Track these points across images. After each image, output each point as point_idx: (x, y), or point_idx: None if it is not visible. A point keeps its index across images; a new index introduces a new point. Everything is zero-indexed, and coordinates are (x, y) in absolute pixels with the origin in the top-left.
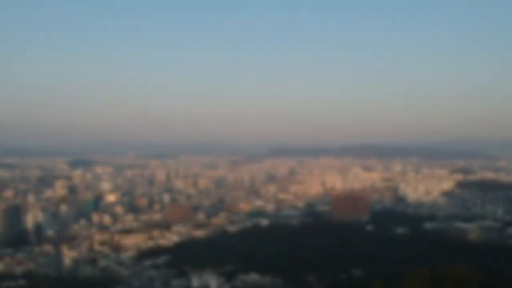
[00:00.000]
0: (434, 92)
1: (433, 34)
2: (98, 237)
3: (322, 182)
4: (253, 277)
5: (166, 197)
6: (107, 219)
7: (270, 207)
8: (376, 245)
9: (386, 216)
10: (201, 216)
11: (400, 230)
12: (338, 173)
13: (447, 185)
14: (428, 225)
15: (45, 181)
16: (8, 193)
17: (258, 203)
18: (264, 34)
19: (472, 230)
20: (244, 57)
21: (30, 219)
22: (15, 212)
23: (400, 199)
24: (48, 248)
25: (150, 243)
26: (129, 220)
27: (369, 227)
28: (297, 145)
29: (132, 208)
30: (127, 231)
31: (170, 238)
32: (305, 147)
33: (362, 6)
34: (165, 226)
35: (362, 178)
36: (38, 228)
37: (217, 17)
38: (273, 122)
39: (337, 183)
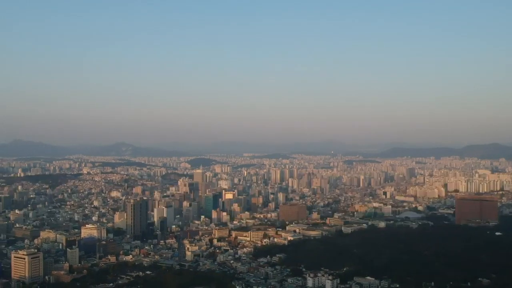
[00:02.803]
0: None
1: None
2: (216, 233)
3: (444, 183)
4: (370, 280)
5: (281, 196)
6: (225, 216)
7: (387, 209)
8: (505, 253)
9: None
10: (315, 216)
11: None
12: (462, 174)
13: None
14: None
15: (169, 178)
16: (137, 190)
17: (375, 204)
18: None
19: None
20: (359, 55)
21: (156, 214)
22: (143, 207)
23: None
24: (171, 241)
25: (266, 241)
26: (245, 217)
27: (498, 233)
28: (416, 145)
29: (248, 206)
30: (243, 229)
31: (285, 236)
32: (425, 147)
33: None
34: (280, 224)
35: (489, 180)
36: (163, 222)
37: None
38: (390, 121)
39: (461, 185)
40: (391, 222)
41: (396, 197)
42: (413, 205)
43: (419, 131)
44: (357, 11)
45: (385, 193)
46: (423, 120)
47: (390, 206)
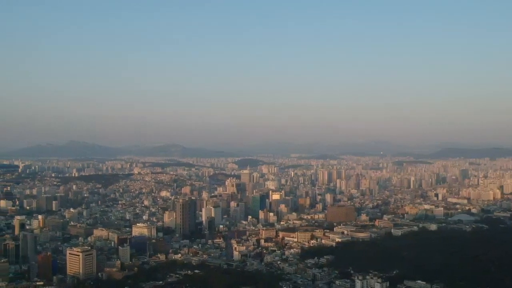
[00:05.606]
0: None
1: None
2: (264, 233)
3: (500, 185)
4: (421, 284)
5: (328, 198)
6: (272, 216)
7: (439, 211)
8: None
9: None
10: (364, 217)
11: None
12: None
13: None
14: None
15: (217, 179)
16: (186, 190)
17: (426, 206)
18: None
19: None
20: (409, 54)
21: (204, 214)
22: (191, 207)
23: None
24: (219, 241)
25: (313, 242)
26: (292, 218)
27: None
28: (470, 145)
29: (295, 207)
30: (290, 229)
31: (333, 238)
32: (480, 147)
33: None
34: (327, 226)
35: None
36: (211, 222)
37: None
38: (442, 120)
39: None
40: (443, 224)
41: (449, 199)
42: (467, 208)
43: (472, 131)
44: (403, 11)
45: (436, 195)
46: (477, 120)
47: (442, 208)
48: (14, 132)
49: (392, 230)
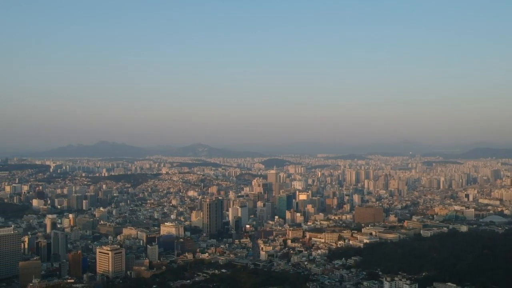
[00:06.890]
0: None
1: None
2: (291, 234)
3: None
4: (451, 287)
5: (356, 198)
6: (299, 217)
7: (469, 213)
8: None
9: None
10: (392, 218)
11: None
12: None
13: None
14: None
15: (244, 179)
16: (213, 189)
17: (456, 207)
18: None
19: None
20: (438, 52)
21: (231, 214)
22: (218, 207)
23: None
24: (246, 241)
25: (340, 243)
26: (319, 219)
27: None
28: (502, 145)
29: (322, 208)
30: (317, 230)
31: (361, 239)
32: None
33: None
34: (355, 227)
35: None
36: (238, 222)
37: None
38: (473, 119)
39: None
40: (474, 226)
41: (480, 200)
42: (499, 209)
43: (505, 130)
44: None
45: (467, 196)
46: (510, 119)
47: (473, 210)
48: (45, 133)
49: (421, 231)
